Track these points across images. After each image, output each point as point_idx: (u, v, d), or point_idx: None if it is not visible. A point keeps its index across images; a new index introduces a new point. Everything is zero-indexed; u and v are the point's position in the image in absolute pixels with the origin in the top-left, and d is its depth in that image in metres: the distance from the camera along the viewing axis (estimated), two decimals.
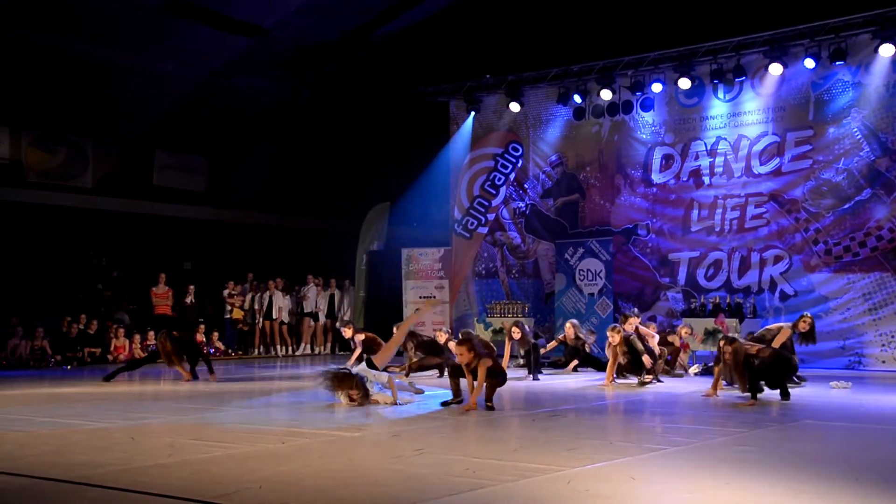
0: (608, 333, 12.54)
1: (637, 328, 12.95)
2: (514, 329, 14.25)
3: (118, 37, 19.12)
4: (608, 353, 12.75)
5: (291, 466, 6.34)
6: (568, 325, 15.39)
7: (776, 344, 11.44)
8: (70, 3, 17.80)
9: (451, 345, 14.24)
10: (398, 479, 5.77)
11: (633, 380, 12.66)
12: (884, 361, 15.03)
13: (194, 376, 13.39)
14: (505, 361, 13.67)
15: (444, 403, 9.71)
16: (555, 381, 13.46)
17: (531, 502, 5.06)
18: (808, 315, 12.42)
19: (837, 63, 15.83)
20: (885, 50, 15.28)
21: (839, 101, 16.14)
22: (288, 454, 6.83)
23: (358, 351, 13.90)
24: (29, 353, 17.40)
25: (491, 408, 9.26)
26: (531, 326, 16.09)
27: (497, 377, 9.42)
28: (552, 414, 9.34)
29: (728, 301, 16.46)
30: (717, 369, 10.88)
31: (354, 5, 20.18)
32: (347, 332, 15.03)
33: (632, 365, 12.61)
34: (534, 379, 13.60)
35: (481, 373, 9.12)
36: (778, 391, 10.44)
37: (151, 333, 18.96)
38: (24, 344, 17.51)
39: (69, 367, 16.97)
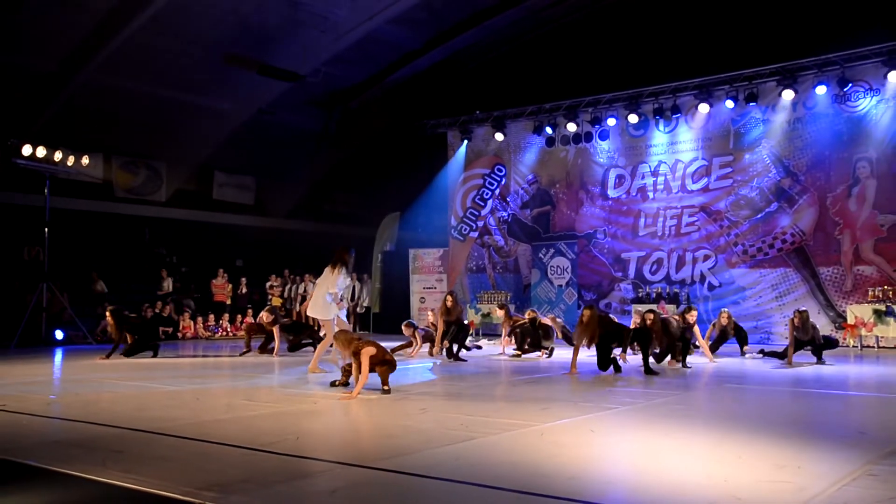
0: (527, 314, 12.91)
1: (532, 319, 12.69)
2: (449, 298, 12.49)
3: (187, 83, 19.10)
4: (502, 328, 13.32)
5: (322, 422, 6.34)
6: (724, 312, 12.67)
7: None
8: (150, 57, 17.77)
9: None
10: (407, 433, 5.76)
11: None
12: (786, 338, 15.01)
13: (140, 353, 12.38)
14: (437, 339, 12.38)
15: (332, 383, 8.31)
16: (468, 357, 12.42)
17: (512, 451, 5.05)
18: (801, 310, 11.45)
19: (751, 104, 15.90)
20: (787, 94, 15.45)
21: (752, 134, 16.17)
22: (319, 412, 6.81)
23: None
24: None
25: (387, 391, 7.73)
26: (507, 313, 14.56)
27: (385, 364, 7.80)
28: (529, 381, 9.33)
29: (668, 291, 16.50)
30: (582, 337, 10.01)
31: (372, 57, 20.17)
32: (265, 317, 13.48)
33: (533, 342, 12.50)
34: (447, 356, 11.90)
35: (364, 360, 7.57)
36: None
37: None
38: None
39: None
